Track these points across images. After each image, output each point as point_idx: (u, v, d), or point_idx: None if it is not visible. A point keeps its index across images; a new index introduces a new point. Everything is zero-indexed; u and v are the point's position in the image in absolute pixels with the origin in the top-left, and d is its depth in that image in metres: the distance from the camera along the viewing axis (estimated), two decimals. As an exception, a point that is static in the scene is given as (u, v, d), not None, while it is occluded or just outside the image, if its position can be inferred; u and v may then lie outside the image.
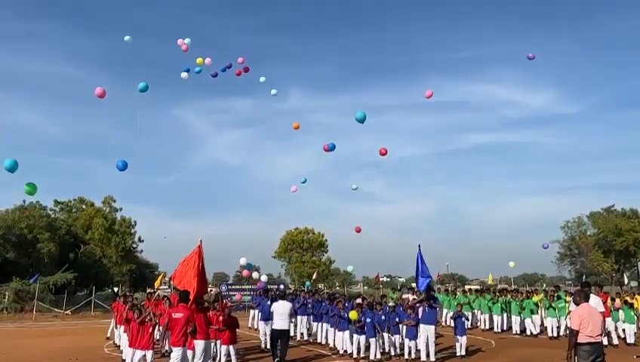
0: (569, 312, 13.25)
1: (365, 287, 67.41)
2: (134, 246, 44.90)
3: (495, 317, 19.88)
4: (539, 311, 19.05)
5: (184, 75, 19.27)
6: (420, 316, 12.70)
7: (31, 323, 26.10)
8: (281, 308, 11.87)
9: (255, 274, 21.23)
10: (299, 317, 16.83)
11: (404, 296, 19.92)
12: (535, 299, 19.09)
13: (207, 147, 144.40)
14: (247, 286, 33.22)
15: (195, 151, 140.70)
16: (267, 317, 14.12)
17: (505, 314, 19.87)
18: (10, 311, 31.45)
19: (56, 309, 32.45)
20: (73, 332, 21.37)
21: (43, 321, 27.40)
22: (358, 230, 19.95)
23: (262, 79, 20.49)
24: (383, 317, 13.28)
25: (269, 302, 14.83)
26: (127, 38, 18.60)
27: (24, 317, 29.50)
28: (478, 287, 32.02)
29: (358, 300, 15.93)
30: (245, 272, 20.63)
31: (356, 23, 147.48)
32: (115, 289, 43.45)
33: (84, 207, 44.17)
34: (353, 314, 12.49)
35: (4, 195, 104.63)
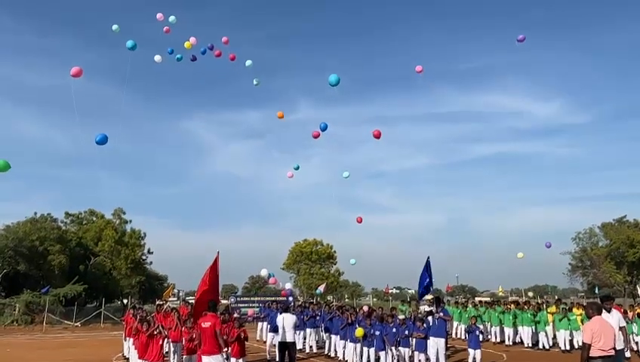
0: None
1: (375, 299, 67.00)
2: (144, 258, 45.06)
3: (506, 330, 19.65)
4: (550, 324, 18.81)
5: (157, 57, 19.08)
6: (429, 328, 12.61)
7: (41, 335, 26.21)
8: (285, 321, 11.88)
9: (287, 285, 21.73)
10: (308, 330, 16.77)
11: (422, 308, 19.80)
12: (550, 310, 18.88)
13: (216, 158, 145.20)
14: (255, 299, 33.11)
15: (204, 162, 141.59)
16: (276, 328, 14.11)
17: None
18: (21, 322, 31.62)
19: (66, 321, 32.56)
20: (83, 344, 21.43)
21: (53, 333, 27.49)
22: (360, 220, 20.18)
23: (248, 63, 20.47)
24: (394, 330, 13.19)
25: (277, 314, 14.82)
26: (114, 27, 18.20)
27: (34, 329, 29.63)
28: (488, 299, 31.72)
29: (365, 308, 15.86)
30: (272, 280, 21.16)
31: (364, 34, 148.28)
32: (125, 301, 43.55)
33: (94, 219, 44.45)
34: (359, 332, 12.44)
35: (15, 208, 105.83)
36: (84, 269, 38.68)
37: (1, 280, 33.55)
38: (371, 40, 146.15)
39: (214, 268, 10.41)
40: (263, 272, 21.73)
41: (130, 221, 44.39)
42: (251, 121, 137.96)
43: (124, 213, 44.18)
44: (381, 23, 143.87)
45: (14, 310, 32.50)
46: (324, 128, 18.12)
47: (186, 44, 19.01)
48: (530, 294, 30.19)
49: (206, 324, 9.06)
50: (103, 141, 13.28)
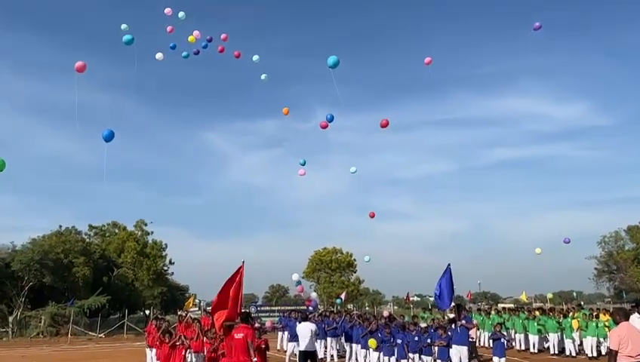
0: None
1: (395, 307, 66.46)
2: (165, 268, 45.50)
3: (531, 337, 19.30)
4: (577, 331, 18.41)
5: (159, 55, 19.11)
6: (452, 336, 12.46)
7: (66, 347, 26.61)
8: (304, 330, 11.86)
9: (313, 295, 21.96)
10: (329, 339, 16.71)
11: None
12: (577, 315, 18.52)
13: (234, 168, 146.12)
14: (276, 308, 33.23)
15: (223, 172, 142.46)
16: (295, 338, 14.16)
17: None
18: (47, 334, 32.18)
19: (90, 332, 33.03)
20: (107, 355, 21.70)
21: (78, 345, 27.90)
22: (372, 215, 20.15)
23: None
24: (416, 338, 13.08)
25: (297, 324, 14.85)
26: (123, 26, 18.14)
27: (59, 341, 30.08)
28: (512, 306, 31.20)
29: (385, 313, 15.76)
30: (299, 288, 21.37)
31: (379, 40, 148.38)
32: (147, 312, 43.98)
33: (117, 231, 45.14)
34: (372, 343, 12.37)
35: (41, 221, 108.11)
36: (107, 281, 39.26)
37: (28, 292, 34.20)
38: (386, 46, 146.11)
39: (238, 279, 9.94)
40: (295, 276, 22.24)
41: (152, 232, 44.97)
42: (268, 130, 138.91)
43: (146, 225, 44.78)
44: (396, 29, 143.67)
45: (40, 322, 33.10)
46: (331, 119, 17.95)
47: (190, 38, 19.04)
48: (550, 296, 29.40)
49: (239, 335, 8.96)
50: (109, 137, 13.37)
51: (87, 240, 42.33)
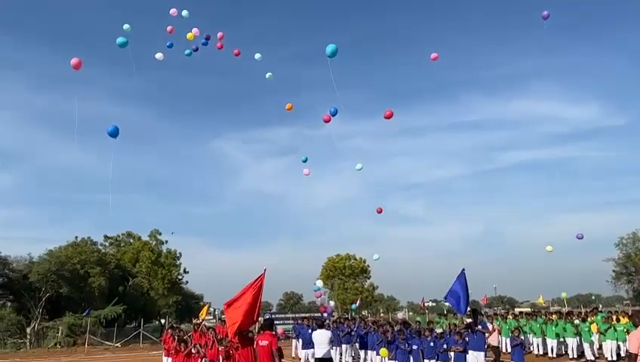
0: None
1: (410, 313, 65.99)
2: (180, 277, 45.70)
3: (549, 341, 19.02)
4: (596, 335, 18.11)
5: (159, 55, 19.03)
6: (468, 342, 12.34)
7: (83, 357, 26.84)
8: (320, 337, 11.84)
9: (332, 304, 22.18)
10: (344, 346, 16.65)
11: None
12: (596, 318, 18.23)
13: (247, 177, 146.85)
14: (290, 315, 33.20)
15: (237, 181, 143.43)
16: (308, 345, 14.19)
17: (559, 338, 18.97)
18: (64, 345, 32.47)
19: (107, 342, 33.28)
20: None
21: (95, 354, 28.12)
22: (380, 210, 20.06)
23: (257, 56, 20.41)
24: (432, 344, 12.98)
25: (309, 331, 14.88)
26: (126, 26, 18.09)
27: (76, 351, 30.36)
28: (529, 310, 30.79)
29: (399, 315, 15.65)
30: (318, 293, 21.44)
31: (389, 46, 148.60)
32: (162, 321, 44.20)
33: (131, 241, 45.51)
34: (384, 352, 12.31)
35: (57, 233, 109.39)
36: (122, 290, 39.56)
37: (45, 303, 34.57)
38: (397, 52, 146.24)
39: (258, 287, 9.59)
40: (319, 283, 22.48)
41: (166, 241, 45.27)
42: (281, 138, 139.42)
43: (160, 234, 45.09)
44: (407, 33, 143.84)
45: (57, 332, 33.42)
46: (335, 113, 17.54)
47: (189, 35, 18.99)
48: (564, 295, 28.80)
49: (263, 343, 8.96)
50: (114, 133, 13.41)
51: (103, 250, 42.74)
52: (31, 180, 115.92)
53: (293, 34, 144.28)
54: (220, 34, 19.84)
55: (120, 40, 16.05)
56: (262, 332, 9.23)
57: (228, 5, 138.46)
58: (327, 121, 17.87)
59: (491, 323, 17.15)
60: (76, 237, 39.87)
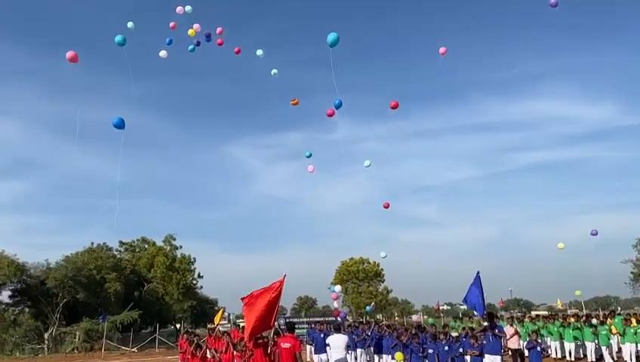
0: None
1: (425, 316, 65.51)
2: (194, 282, 45.93)
3: (567, 345, 18.76)
4: (614, 337, 17.82)
5: (163, 53, 19.07)
6: (484, 345, 12.23)
7: (100, 361, 27.07)
8: (336, 341, 11.81)
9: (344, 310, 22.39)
10: (359, 350, 16.59)
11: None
12: (614, 321, 17.95)
13: (260, 181, 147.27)
14: (304, 319, 33.19)
15: (249, 185, 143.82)
16: (321, 350, 14.21)
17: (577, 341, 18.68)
18: (81, 349, 32.82)
19: (123, 347, 33.56)
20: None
21: (111, 359, 28.38)
22: (387, 205, 19.88)
23: (259, 52, 20.32)
24: (447, 348, 12.88)
25: (322, 336, 14.92)
26: (129, 24, 17.99)
27: (94, 356, 30.66)
28: (546, 313, 30.41)
29: (414, 317, 15.58)
30: (334, 295, 21.59)
31: (400, 48, 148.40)
32: (178, 326, 44.44)
33: (146, 246, 45.88)
34: (399, 356, 12.25)
35: (73, 239, 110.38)
36: (138, 296, 39.88)
37: (62, 309, 35.00)
38: (408, 54, 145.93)
39: (278, 291, 9.53)
40: (338, 288, 22.81)
41: (181, 246, 45.53)
42: (293, 143, 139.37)
43: (174, 239, 45.39)
44: (417, 37, 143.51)
45: (75, 337, 33.79)
46: (339, 105, 17.17)
47: (190, 32, 18.99)
48: (578, 293, 28.08)
49: (286, 345, 8.98)
50: (119, 124, 13.45)
51: (118, 256, 43.13)
52: (46, 187, 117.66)
53: (304, 37, 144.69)
54: (219, 29, 19.81)
55: (118, 38, 15.98)
56: (283, 334, 9.25)
57: (237, 8, 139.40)
58: (330, 115, 17.50)
59: (511, 325, 16.99)
60: (92, 243, 40.34)
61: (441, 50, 17.36)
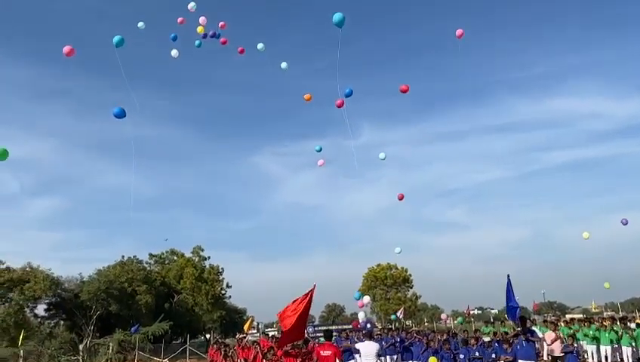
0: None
1: (455, 322, 64.47)
2: (223, 292, 46.32)
3: (603, 348, 18.23)
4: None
5: (174, 52, 19.21)
6: (517, 351, 11.99)
7: (134, 373, 27.49)
8: (367, 348, 11.74)
9: (360, 315, 22.32)
10: (387, 357, 16.48)
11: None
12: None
13: (285, 189, 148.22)
14: (333, 327, 33.06)
15: (274, 194, 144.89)
16: (349, 357, 14.22)
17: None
18: (115, 361, 33.37)
19: (155, 358, 34.01)
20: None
21: (144, 370, 28.77)
22: (401, 197, 19.63)
23: (259, 46, 20.36)
24: (477, 354, 12.69)
25: (343, 341, 15.07)
26: (140, 24, 18.21)
27: (127, 368, 31.15)
28: (581, 316, 29.61)
29: (443, 316, 15.36)
30: (360, 303, 21.66)
31: (423, 51, 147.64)
32: (208, 336, 44.83)
33: (175, 258, 46.55)
34: (433, 360, 12.12)
35: (105, 253, 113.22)
36: (168, 307, 40.43)
37: (96, 321, 35.72)
38: (431, 56, 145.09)
39: (308, 301, 9.69)
40: (366, 299, 22.72)
41: (209, 257, 46.03)
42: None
43: (203, 250, 45.93)
44: (439, 39, 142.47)
45: (108, 349, 34.41)
46: (349, 94, 16.94)
47: (199, 29, 19.24)
48: (607, 285, 27.07)
49: (326, 353, 9.03)
50: (120, 114, 13.54)
51: (148, 268, 43.85)
52: (78, 203, 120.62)
53: (327, 45, 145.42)
54: (221, 23, 19.98)
55: (116, 39, 15.82)
56: (323, 342, 9.32)
57: (266, 18, 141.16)
58: (340, 106, 17.20)
59: (554, 330, 16.00)
60: (123, 257, 41.13)
61: (458, 32, 17.05)
